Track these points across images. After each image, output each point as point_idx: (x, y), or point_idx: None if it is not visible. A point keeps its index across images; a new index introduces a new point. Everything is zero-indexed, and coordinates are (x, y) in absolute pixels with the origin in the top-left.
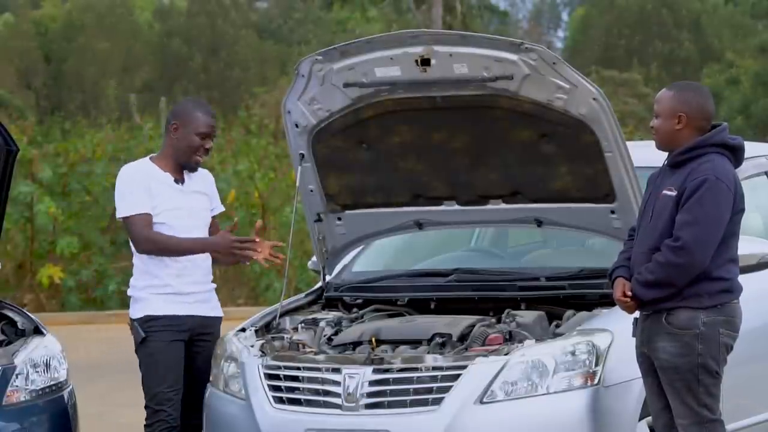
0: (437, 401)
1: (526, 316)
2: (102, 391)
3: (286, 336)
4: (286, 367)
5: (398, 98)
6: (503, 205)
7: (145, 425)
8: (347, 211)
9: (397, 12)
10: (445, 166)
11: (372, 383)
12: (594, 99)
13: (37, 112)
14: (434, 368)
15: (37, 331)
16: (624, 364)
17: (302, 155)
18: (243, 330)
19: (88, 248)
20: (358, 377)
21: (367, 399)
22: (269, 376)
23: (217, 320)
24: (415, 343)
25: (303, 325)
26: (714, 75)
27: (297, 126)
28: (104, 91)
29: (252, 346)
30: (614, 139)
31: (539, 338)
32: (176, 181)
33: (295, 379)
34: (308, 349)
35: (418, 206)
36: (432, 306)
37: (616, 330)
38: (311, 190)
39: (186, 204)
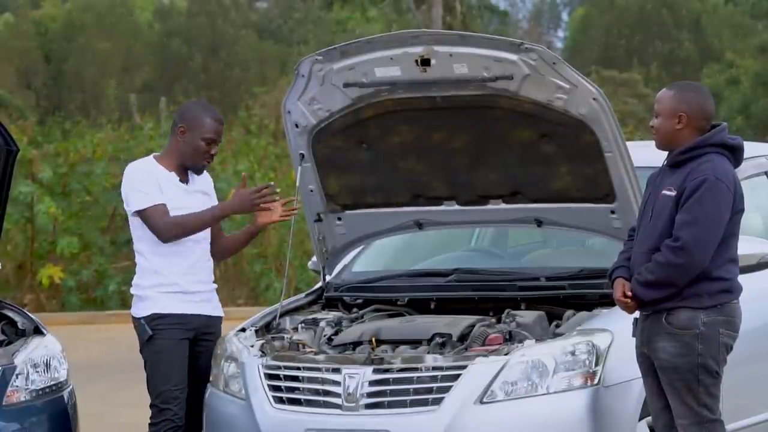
0: (437, 401)
1: (526, 316)
2: (102, 391)
3: (286, 336)
4: (286, 367)
5: (398, 98)
6: (503, 205)
7: (149, 424)
8: (347, 211)
9: (397, 12)
10: (445, 166)
11: (372, 383)
12: (594, 99)
13: (37, 112)
14: (434, 368)
15: (38, 331)
16: (624, 364)
17: (302, 155)
18: (243, 330)
19: (88, 248)
20: (358, 377)
21: (367, 399)
22: (269, 376)
23: (219, 320)
24: (415, 343)
25: (303, 325)
26: (714, 75)
27: (297, 126)
28: (104, 91)
29: (252, 346)
30: (614, 139)
31: (539, 338)
32: (181, 180)
33: (295, 379)
34: (308, 349)
35: (418, 206)
36: (432, 306)
37: (616, 330)
38: (311, 190)
39: (190, 203)
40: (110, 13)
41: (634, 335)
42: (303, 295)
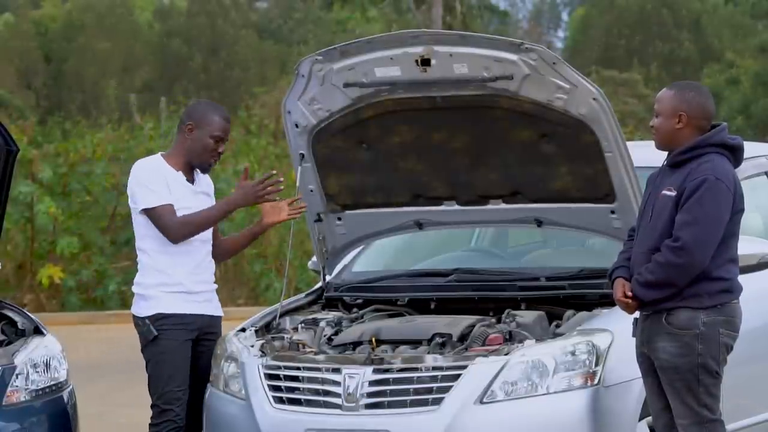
0: (437, 401)
1: (526, 316)
2: (102, 391)
3: (286, 336)
4: (286, 367)
5: (398, 98)
6: (503, 205)
7: (150, 424)
8: (347, 211)
9: (397, 12)
10: (445, 166)
11: (372, 383)
12: (594, 99)
13: (37, 112)
14: (434, 368)
15: (37, 331)
16: (624, 364)
17: (302, 155)
18: (243, 330)
19: (88, 248)
20: (358, 377)
21: (367, 399)
22: (269, 376)
23: (219, 320)
24: (415, 343)
25: (303, 325)
26: (714, 75)
27: (297, 126)
28: (104, 91)
29: (252, 346)
30: (614, 139)
31: (539, 338)
32: (187, 180)
33: (295, 379)
34: (308, 349)
35: (418, 206)
36: (432, 306)
37: (616, 330)
38: (311, 190)
39: (196, 204)
40: (110, 13)
41: (634, 335)
42: (303, 295)
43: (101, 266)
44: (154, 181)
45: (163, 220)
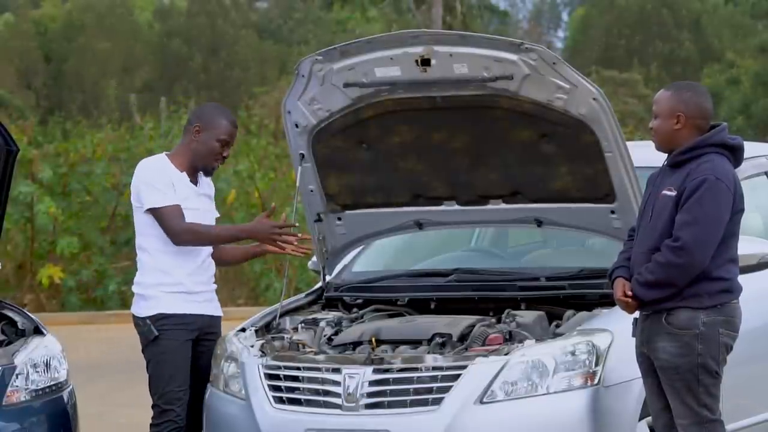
0: (437, 401)
1: (526, 316)
2: (102, 391)
3: (286, 336)
4: (286, 367)
5: (398, 98)
6: (503, 205)
7: (151, 425)
8: (347, 211)
9: (397, 12)
10: (445, 166)
11: (372, 383)
12: (594, 99)
13: (37, 112)
14: (434, 368)
15: (37, 331)
16: (624, 364)
17: (302, 155)
18: (243, 330)
19: (88, 248)
20: (358, 377)
21: (367, 399)
22: (269, 376)
23: (219, 320)
24: (415, 343)
25: (303, 325)
26: (714, 75)
27: (297, 126)
28: (104, 91)
29: (252, 346)
30: (614, 139)
31: (539, 338)
32: (191, 181)
33: (295, 379)
34: (308, 349)
35: (418, 206)
36: (432, 306)
37: (616, 330)
38: (311, 190)
39: (199, 205)
40: (110, 13)
41: (634, 335)
42: (303, 295)
43: (101, 266)
44: (160, 181)
45: (169, 222)
